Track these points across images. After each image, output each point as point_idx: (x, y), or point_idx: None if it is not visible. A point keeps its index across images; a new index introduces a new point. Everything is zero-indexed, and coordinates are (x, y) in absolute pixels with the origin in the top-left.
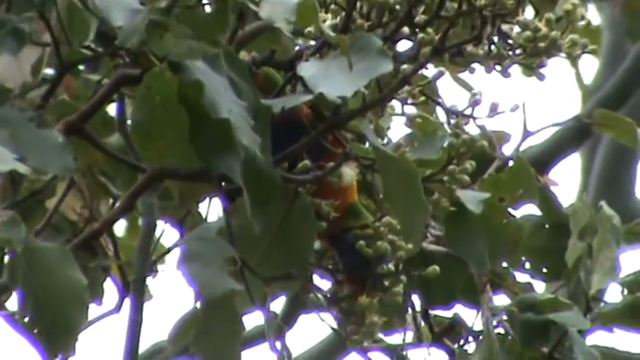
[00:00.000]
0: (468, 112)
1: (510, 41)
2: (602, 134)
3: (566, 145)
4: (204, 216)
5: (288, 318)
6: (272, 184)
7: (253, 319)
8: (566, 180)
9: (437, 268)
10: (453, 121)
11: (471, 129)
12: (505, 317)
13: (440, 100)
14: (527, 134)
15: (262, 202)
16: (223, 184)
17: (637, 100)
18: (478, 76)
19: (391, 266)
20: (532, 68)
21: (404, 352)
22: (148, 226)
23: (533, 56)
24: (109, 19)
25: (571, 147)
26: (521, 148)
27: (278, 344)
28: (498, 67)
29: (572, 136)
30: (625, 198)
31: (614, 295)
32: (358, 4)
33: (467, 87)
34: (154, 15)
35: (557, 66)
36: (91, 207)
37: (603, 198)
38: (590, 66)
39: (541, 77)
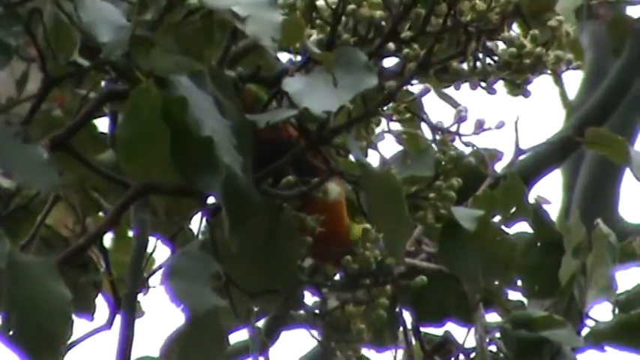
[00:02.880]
0: (453, 128)
1: (495, 58)
2: (585, 151)
3: (548, 161)
4: (195, 233)
5: (270, 334)
6: (251, 203)
7: (238, 334)
8: (548, 197)
9: (424, 278)
10: (438, 138)
11: (462, 147)
12: (498, 335)
13: (425, 117)
14: (519, 152)
15: (241, 221)
16: (209, 200)
17: (617, 117)
18: (465, 93)
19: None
20: (517, 85)
21: None
22: (140, 242)
23: (518, 73)
24: (94, 35)
25: (553, 164)
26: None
27: None
28: (483, 84)
29: (555, 152)
30: (608, 217)
31: (605, 316)
32: (344, 20)
33: (453, 103)
34: (140, 29)
35: (542, 83)
36: (83, 222)
37: (586, 216)
38: (575, 83)
39: (526, 94)
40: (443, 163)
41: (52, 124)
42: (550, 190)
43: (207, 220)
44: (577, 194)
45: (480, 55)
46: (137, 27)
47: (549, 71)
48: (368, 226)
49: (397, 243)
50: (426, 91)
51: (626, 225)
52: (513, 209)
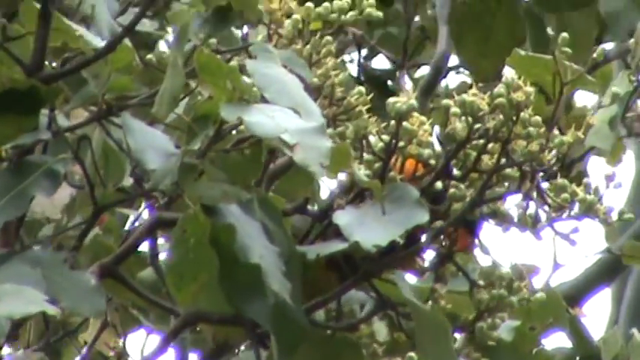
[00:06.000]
0: None
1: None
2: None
3: (597, 280)
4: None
5: None
6: (301, 331)
7: None
8: (598, 311)
9: None
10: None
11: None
12: None
13: (464, 269)
14: (556, 266)
15: (291, 349)
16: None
17: None
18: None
19: None
20: (565, 234)
21: None
22: None
23: (567, 219)
24: (143, 163)
25: (603, 282)
26: (552, 282)
27: None
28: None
29: (604, 271)
30: None
31: None
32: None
33: None
34: (189, 158)
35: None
36: (124, 341)
37: (635, 327)
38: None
39: (572, 243)
40: (484, 302)
41: (100, 250)
42: (600, 304)
43: (255, 351)
44: (624, 306)
45: (534, 195)
46: (186, 155)
47: (600, 220)
48: (412, 354)
49: None
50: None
51: None
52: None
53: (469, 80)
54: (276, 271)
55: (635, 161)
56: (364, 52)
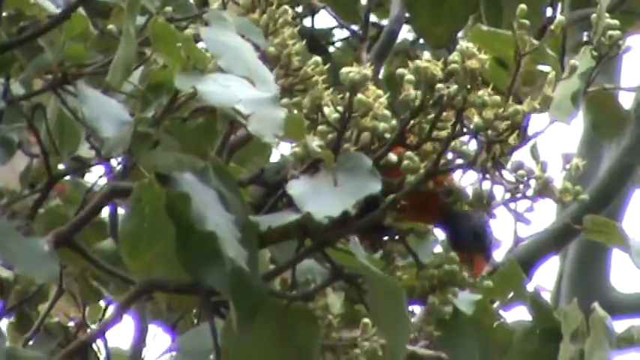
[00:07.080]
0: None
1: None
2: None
3: (548, 248)
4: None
5: None
6: (259, 296)
7: None
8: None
9: None
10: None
11: None
12: None
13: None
14: (517, 240)
15: (249, 314)
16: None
17: (617, 203)
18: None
19: None
20: (519, 212)
21: None
22: (140, 331)
23: (522, 199)
24: (97, 131)
25: (553, 250)
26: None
27: None
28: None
29: (555, 239)
30: (600, 287)
31: None
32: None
33: None
34: (142, 126)
35: None
36: (83, 312)
37: (578, 286)
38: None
39: (526, 222)
40: (436, 276)
41: (55, 219)
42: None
43: (210, 320)
44: (568, 263)
45: (489, 167)
46: (139, 124)
47: (555, 200)
48: (367, 320)
49: (397, 345)
50: None
51: (618, 295)
52: (511, 294)
53: (410, 37)
54: (231, 238)
55: (584, 117)
56: (300, 9)
